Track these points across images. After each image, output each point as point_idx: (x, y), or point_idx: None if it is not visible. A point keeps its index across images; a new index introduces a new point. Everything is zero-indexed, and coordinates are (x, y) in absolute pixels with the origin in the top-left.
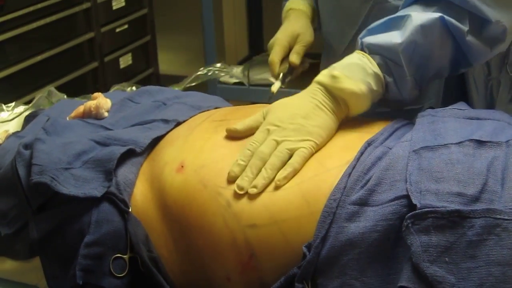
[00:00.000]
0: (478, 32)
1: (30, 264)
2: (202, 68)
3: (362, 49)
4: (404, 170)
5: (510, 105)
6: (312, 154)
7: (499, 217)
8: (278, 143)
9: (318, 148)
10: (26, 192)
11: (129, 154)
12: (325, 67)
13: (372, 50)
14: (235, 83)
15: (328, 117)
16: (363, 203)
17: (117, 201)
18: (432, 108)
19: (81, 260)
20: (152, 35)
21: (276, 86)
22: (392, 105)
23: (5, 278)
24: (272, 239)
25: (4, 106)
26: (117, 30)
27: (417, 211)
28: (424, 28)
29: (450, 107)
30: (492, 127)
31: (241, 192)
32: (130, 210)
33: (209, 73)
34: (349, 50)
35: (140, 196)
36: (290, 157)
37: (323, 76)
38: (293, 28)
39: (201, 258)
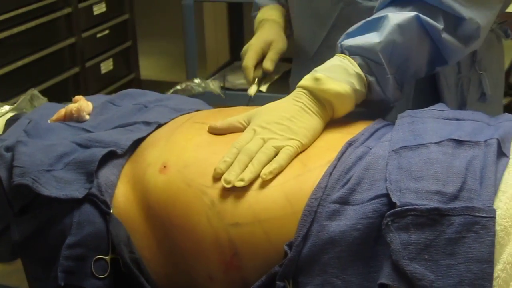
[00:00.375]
0: (452, 30)
1: (12, 266)
2: (180, 83)
3: (342, 52)
4: (384, 169)
5: (479, 103)
6: (297, 153)
7: (478, 214)
8: (264, 141)
9: (303, 148)
10: (8, 195)
11: (111, 156)
12: (296, 70)
13: (352, 51)
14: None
15: (313, 119)
16: (344, 202)
17: (99, 202)
18: (406, 108)
19: (62, 261)
20: (133, 40)
21: (253, 89)
22: (374, 106)
23: None
24: (255, 238)
25: None
26: (98, 35)
27: (396, 209)
28: (401, 27)
29: (429, 108)
30: (471, 127)
31: (228, 186)
32: (111, 211)
33: (187, 88)
34: (320, 52)
35: (122, 197)
36: (276, 154)
37: (306, 80)
38: (267, 36)
39: (184, 258)
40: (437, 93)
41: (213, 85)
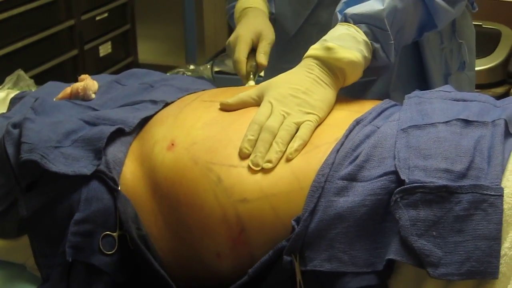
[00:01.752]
0: None
1: (17, 242)
2: (173, 70)
3: (345, 21)
4: (393, 147)
5: (458, 72)
6: (316, 127)
7: (486, 192)
8: (284, 116)
9: (321, 121)
10: (15, 171)
11: (118, 134)
12: (275, 49)
13: (356, 20)
14: (215, 72)
15: (327, 91)
16: (352, 178)
17: (107, 179)
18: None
19: (70, 237)
20: (132, 23)
21: (251, 83)
22: (374, 73)
23: None
24: (262, 214)
25: None
26: (97, 18)
27: (405, 186)
28: None
29: (436, 89)
30: (478, 108)
31: (257, 169)
32: (119, 188)
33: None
34: (301, 31)
35: (130, 174)
36: (297, 130)
37: (316, 50)
38: (255, 25)
39: (191, 235)
40: (421, 64)
41: (205, 70)
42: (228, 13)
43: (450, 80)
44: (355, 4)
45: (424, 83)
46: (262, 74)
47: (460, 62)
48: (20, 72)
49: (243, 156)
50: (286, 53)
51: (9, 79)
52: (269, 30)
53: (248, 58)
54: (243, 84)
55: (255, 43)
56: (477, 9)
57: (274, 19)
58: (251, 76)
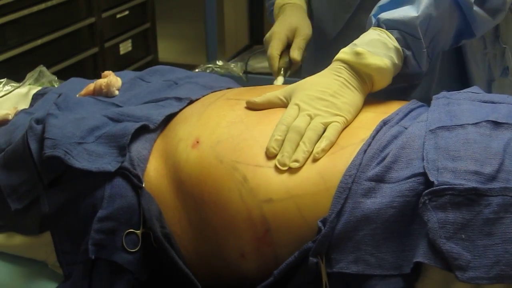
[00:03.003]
0: (481, 3)
1: (39, 239)
2: (201, 65)
3: (378, 26)
4: (421, 149)
5: (502, 78)
6: (343, 129)
7: None
8: (311, 117)
9: (348, 124)
10: (38, 167)
11: (143, 131)
12: (313, 53)
13: (389, 25)
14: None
15: (355, 95)
16: (379, 179)
17: (131, 176)
18: (430, 84)
19: (93, 234)
20: (152, 22)
21: (280, 80)
22: (405, 80)
23: (14, 254)
24: (288, 214)
25: None
26: (118, 16)
27: (434, 188)
28: (436, 1)
29: (464, 90)
30: (507, 110)
31: (284, 168)
32: (143, 185)
33: (208, 71)
34: (343, 34)
35: (154, 172)
36: (324, 130)
37: (345, 54)
38: (291, 21)
39: (216, 234)
40: (463, 69)
41: (236, 68)
42: (268, 10)
43: (494, 86)
44: (390, 8)
45: (466, 88)
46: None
47: (503, 68)
48: (42, 68)
49: (270, 155)
50: (325, 58)
51: (30, 75)
52: (305, 26)
53: (282, 54)
54: (273, 78)
55: (290, 39)
56: None
57: (312, 21)
58: (282, 72)
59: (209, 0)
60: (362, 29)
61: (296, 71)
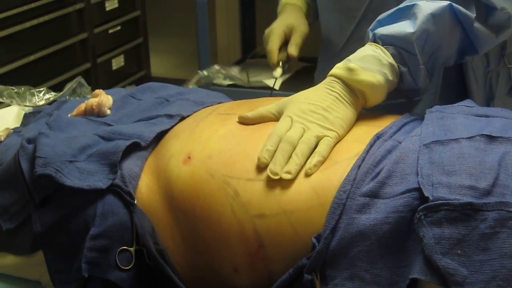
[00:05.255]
0: (484, 19)
1: (32, 259)
2: (200, 71)
3: (374, 41)
4: (415, 163)
5: (508, 97)
6: (335, 144)
7: None
8: (304, 130)
9: (340, 139)
10: (29, 186)
11: (134, 148)
12: (323, 64)
13: (385, 41)
14: (229, 85)
15: (348, 110)
16: (374, 195)
17: (123, 193)
18: (433, 100)
19: (86, 252)
20: (144, 37)
21: (278, 71)
22: (402, 95)
23: (6, 274)
24: (281, 230)
25: (34, 91)
26: (110, 31)
27: (430, 203)
28: (434, 17)
29: (457, 104)
30: (501, 123)
31: (276, 178)
32: (135, 202)
33: (208, 74)
34: (348, 44)
35: (146, 188)
36: (316, 145)
37: (338, 69)
38: (289, 20)
39: (209, 250)
40: (465, 86)
41: (234, 71)
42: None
43: (493, 104)
44: (388, 23)
45: None
46: (277, 87)
47: (510, 87)
48: (81, 79)
49: (261, 165)
50: (332, 68)
51: (69, 86)
52: (302, 24)
53: (280, 50)
54: (272, 72)
55: (288, 36)
56: None
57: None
58: (280, 64)
59: (201, 15)
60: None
61: (294, 85)
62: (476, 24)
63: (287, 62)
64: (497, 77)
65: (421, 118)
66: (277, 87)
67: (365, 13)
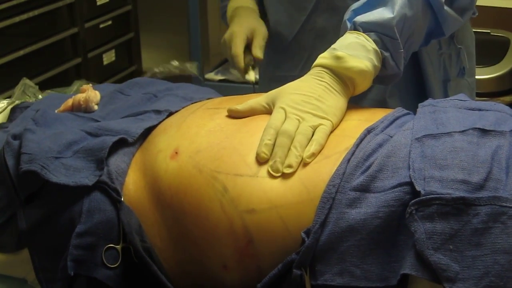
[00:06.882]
0: (450, 3)
1: (17, 256)
2: (159, 67)
3: (355, 29)
4: (407, 157)
5: (458, 78)
6: (331, 132)
7: (505, 204)
8: (299, 121)
9: (334, 128)
10: (15, 183)
11: (121, 144)
12: (271, 56)
13: (366, 28)
14: (220, 80)
15: (339, 99)
16: (364, 189)
17: (109, 190)
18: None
19: (72, 250)
20: (135, 32)
21: (252, 74)
22: (383, 81)
23: None
24: (271, 225)
25: None
26: (101, 26)
27: (421, 198)
28: (410, 1)
29: (450, 98)
30: (495, 117)
31: (277, 175)
32: (122, 199)
33: (164, 70)
34: (297, 38)
35: (133, 185)
36: (313, 134)
37: (325, 59)
38: (247, 23)
39: (197, 246)
40: (419, 70)
41: (191, 68)
42: (221, 11)
43: (449, 86)
44: (364, 11)
45: (421, 89)
46: (254, 79)
47: (459, 68)
48: (26, 80)
49: (261, 161)
50: (283, 62)
51: (18, 91)
52: (262, 26)
53: (244, 54)
54: (243, 77)
55: (249, 39)
56: (477, 14)
57: (269, 25)
58: (250, 68)
59: (192, 10)
60: (317, 31)
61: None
62: (446, 8)
63: (254, 65)
64: (450, 59)
65: (413, 112)
66: (253, 78)
67: (316, 4)
